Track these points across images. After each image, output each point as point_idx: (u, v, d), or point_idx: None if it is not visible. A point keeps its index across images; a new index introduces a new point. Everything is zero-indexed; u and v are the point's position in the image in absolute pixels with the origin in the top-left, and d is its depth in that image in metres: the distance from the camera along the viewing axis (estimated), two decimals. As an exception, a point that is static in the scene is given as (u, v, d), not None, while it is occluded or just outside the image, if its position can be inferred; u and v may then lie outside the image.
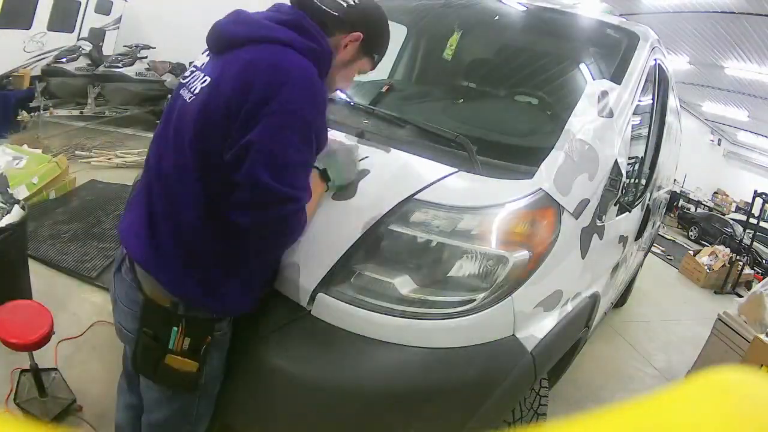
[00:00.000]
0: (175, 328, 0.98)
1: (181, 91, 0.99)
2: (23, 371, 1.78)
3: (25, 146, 3.75)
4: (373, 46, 1.08)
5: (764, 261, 9.18)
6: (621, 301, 3.81)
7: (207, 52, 1.02)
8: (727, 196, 16.39)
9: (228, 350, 1.10)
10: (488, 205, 1.16)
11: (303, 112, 0.88)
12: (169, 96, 1.11)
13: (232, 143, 0.87)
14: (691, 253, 6.67)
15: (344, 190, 1.18)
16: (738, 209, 13.99)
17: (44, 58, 5.51)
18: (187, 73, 1.03)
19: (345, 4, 1.00)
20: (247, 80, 0.86)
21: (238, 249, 0.98)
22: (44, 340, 1.58)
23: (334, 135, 1.30)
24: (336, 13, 0.99)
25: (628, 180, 1.62)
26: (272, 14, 0.98)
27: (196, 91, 0.94)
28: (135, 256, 1.01)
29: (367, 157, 1.24)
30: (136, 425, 1.24)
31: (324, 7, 0.99)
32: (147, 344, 1.00)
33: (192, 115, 0.92)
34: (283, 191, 0.87)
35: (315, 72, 0.91)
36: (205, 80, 0.94)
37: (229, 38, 0.94)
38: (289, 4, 1.02)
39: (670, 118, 2.51)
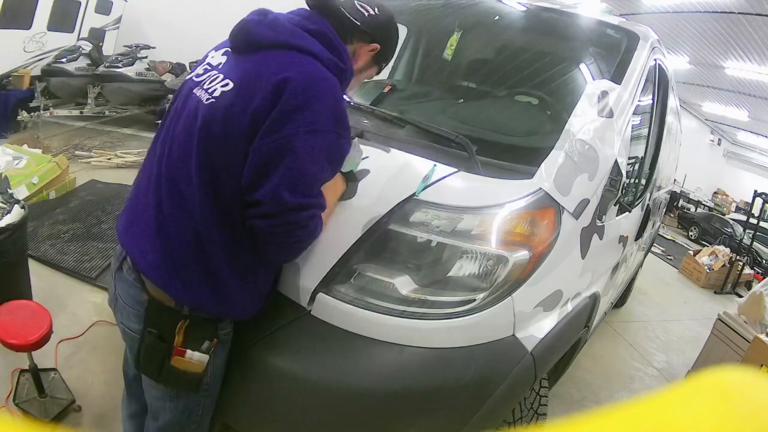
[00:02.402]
0: (180, 323, 0.96)
1: (195, 91, 0.94)
2: (22, 371, 1.78)
3: (25, 146, 3.75)
4: (386, 57, 1.10)
5: (764, 261, 9.19)
6: (621, 301, 3.81)
7: (224, 51, 0.98)
8: (727, 196, 16.40)
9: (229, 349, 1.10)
10: (488, 205, 1.16)
11: (329, 132, 0.88)
12: (170, 96, 1.09)
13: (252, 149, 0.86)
14: (691, 253, 6.67)
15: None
16: (738, 209, 14.01)
17: (44, 58, 5.51)
18: (200, 71, 0.98)
19: (366, 14, 1.00)
20: (278, 91, 0.83)
21: (247, 257, 0.96)
22: (43, 340, 1.57)
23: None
24: (358, 23, 0.99)
25: (628, 180, 1.62)
26: (298, 19, 0.96)
27: (216, 93, 0.90)
28: (140, 265, 0.97)
29: (367, 157, 1.24)
30: None
31: (347, 14, 0.98)
32: (152, 344, 0.96)
33: (210, 118, 0.89)
34: (301, 204, 0.88)
35: (340, 89, 0.91)
36: (226, 83, 0.89)
37: (256, 40, 0.91)
38: (308, 6, 0.99)
39: (670, 118, 2.51)
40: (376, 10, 1.01)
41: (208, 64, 0.99)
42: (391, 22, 1.06)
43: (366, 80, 1.17)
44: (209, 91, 0.91)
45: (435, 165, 1.23)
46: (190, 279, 0.94)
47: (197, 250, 0.93)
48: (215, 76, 0.93)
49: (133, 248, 0.98)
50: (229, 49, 0.97)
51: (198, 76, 0.97)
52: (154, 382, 1.02)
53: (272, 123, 0.83)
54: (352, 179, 1.15)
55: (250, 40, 0.92)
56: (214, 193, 0.90)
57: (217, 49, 1.01)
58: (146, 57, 6.12)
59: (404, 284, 1.09)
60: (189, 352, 0.96)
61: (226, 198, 0.90)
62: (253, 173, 0.86)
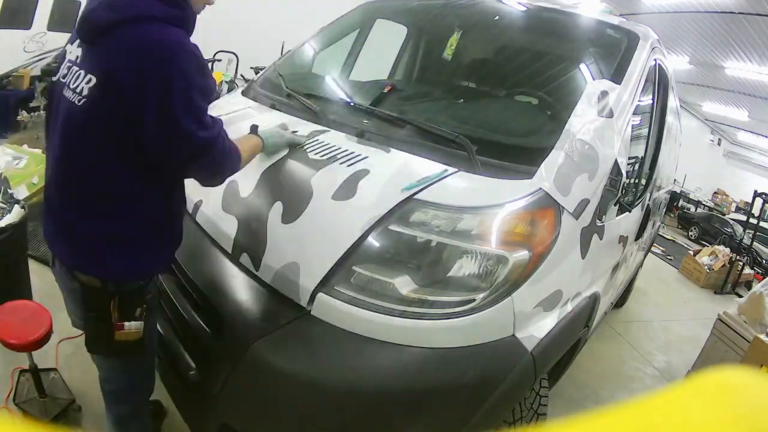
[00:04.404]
0: (112, 301, 1.06)
1: (65, 93, 0.97)
2: (23, 371, 1.78)
3: (25, 146, 3.74)
4: None
5: (764, 261, 9.19)
6: (621, 301, 3.81)
7: (77, 42, 1.00)
8: (727, 196, 16.40)
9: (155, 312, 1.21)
10: (488, 205, 1.16)
11: (189, 79, 0.92)
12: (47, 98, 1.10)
13: (147, 121, 0.90)
14: (691, 253, 6.67)
15: (275, 152, 1.40)
16: (738, 209, 14.01)
17: (44, 58, 5.50)
18: (64, 71, 1.01)
19: None
20: (138, 74, 0.88)
21: (146, 217, 1.05)
22: (43, 340, 1.58)
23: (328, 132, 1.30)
24: None
25: (628, 180, 1.62)
26: None
27: (84, 92, 0.93)
28: (60, 258, 1.11)
29: (296, 131, 1.46)
30: None
31: None
32: (95, 326, 1.10)
33: (86, 116, 0.93)
34: (204, 134, 0.97)
35: (182, 37, 0.93)
36: (90, 79, 0.92)
37: (99, 25, 0.92)
38: None
39: (670, 118, 2.51)
40: None
41: (69, 60, 1.01)
42: None
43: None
44: (76, 90, 0.94)
45: (445, 170, 1.24)
46: (99, 256, 1.04)
47: (101, 227, 1.02)
48: (77, 73, 0.96)
49: (54, 245, 1.11)
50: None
51: (63, 76, 1.00)
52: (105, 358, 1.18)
53: (150, 99, 0.89)
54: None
55: (95, 27, 0.93)
56: (109, 172, 0.97)
57: (72, 42, 1.03)
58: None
59: (404, 284, 1.09)
60: (126, 323, 1.08)
61: (126, 169, 0.98)
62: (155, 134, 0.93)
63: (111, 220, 1.02)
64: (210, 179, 1.11)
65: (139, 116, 0.90)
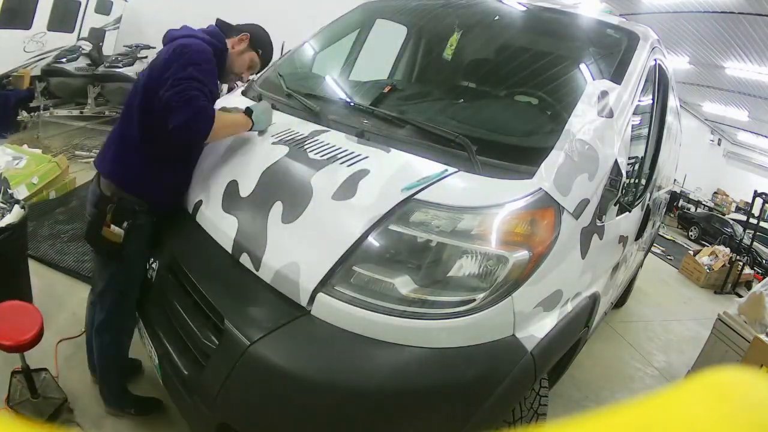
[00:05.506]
0: (110, 206, 1.47)
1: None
2: (14, 372, 1.76)
3: (25, 146, 3.75)
4: (260, 44, 1.67)
5: (764, 261, 9.19)
6: (621, 301, 3.81)
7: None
8: (727, 196, 16.41)
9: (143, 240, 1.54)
10: (488, 205, 1.16)
11: (195, 56, 1.40)
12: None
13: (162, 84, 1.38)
14: (691, 253, 6.68)
15: (263, 130, 1.60)
16: (738, 209, 14.02)
17: (44, 58, 5.50)
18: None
19: (240, 23, 1.70)
20: (169, 52, 1.42)
21: (160, 158, 1.49)
22: (35, 341, 1.56)
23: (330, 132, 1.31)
24: (233, 24, 1.69)
25: (628, 180, 1.62)
26: (202, 29, 1.57)
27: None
28: (96, 166, 1.56)
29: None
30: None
31: (227, 23, 1.67)
32: (94, 220, 1.49)
33: (143, 78, 1.48)
34: (186, 87, 1.34)
35: (209, 48, 1.46)
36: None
37: (169, 37, 1.50)
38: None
39: (670, 118, 2.51)
40: (247, 23, 1.70)
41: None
42: (256, 25, 1.70)
43: (253, 71, 1.69)
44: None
45: (445, 170, 1.23)
46: (122, 170, 1.50)
47: (129, 155, 1.49)
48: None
49: (97, 162, 1.57)
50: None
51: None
52: (93, 250, 1.57)
53: (167, 64, 1.39)
54: (251, 115, 1.57)
55: (167, 38, 1.51)
56: (143, 119, 1.45)
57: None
58: (146, 57, 6.10)
59: (404, 284, 1.09)
60: (113, 226, 1.47)
61: (150, 121, 1.43)
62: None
63: (134, 154, 1.48)
64: (180, 133, 1.37)
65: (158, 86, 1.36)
